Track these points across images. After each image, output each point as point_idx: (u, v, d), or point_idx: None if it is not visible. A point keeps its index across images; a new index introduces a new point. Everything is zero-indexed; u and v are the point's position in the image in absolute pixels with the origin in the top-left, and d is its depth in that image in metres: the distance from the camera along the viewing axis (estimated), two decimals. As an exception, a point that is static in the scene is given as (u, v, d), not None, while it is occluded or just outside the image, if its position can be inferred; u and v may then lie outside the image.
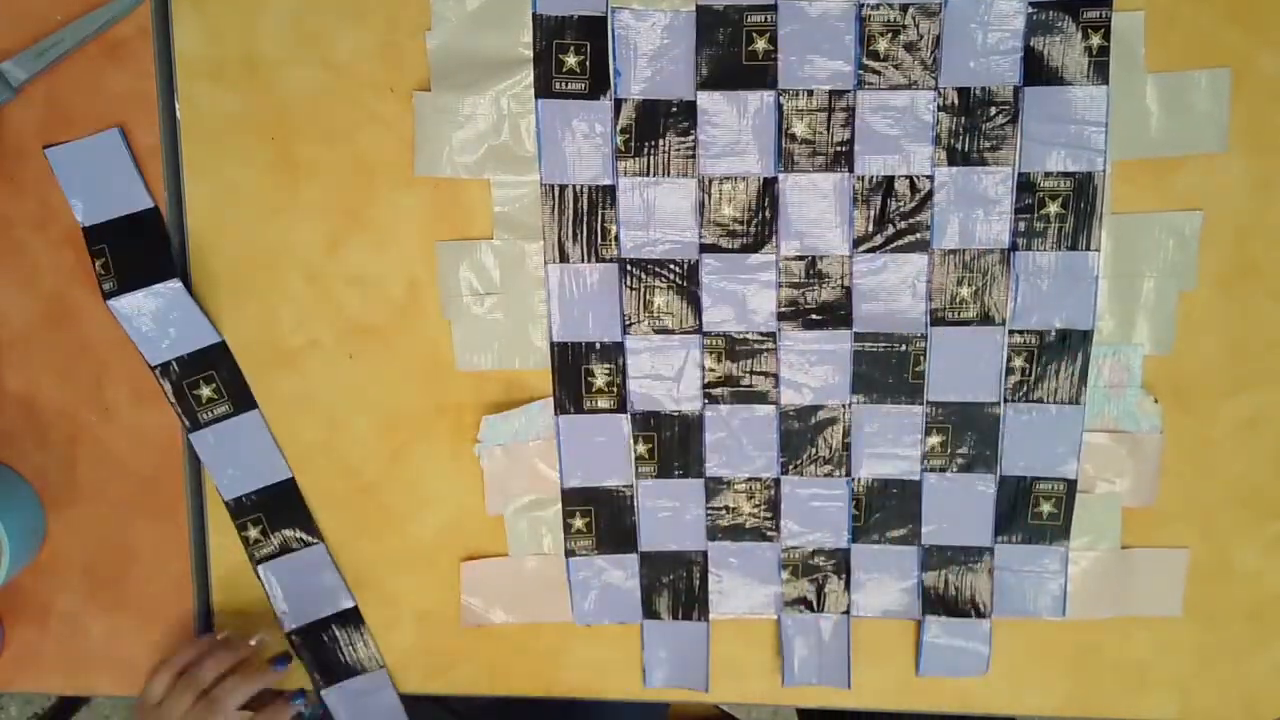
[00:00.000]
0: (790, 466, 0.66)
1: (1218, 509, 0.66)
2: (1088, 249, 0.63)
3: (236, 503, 0.67)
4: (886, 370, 0.65)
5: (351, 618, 0.69)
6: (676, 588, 0.68)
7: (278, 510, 0.67)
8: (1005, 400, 0.65)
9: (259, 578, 0.68)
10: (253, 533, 0.67)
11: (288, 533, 0.68)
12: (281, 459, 0.67)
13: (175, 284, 0.64)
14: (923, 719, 0.72)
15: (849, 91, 0.62)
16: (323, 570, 0.68)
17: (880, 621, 0.68)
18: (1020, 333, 0.64)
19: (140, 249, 0.64)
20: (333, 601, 0.68)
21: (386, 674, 0.69)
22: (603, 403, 0.66)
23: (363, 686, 0.69)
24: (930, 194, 0.63)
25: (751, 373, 0.65)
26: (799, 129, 0.62)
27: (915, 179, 0.63)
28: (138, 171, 0.64)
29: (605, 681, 0.70)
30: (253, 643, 0.66)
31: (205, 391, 0.66)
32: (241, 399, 0.67)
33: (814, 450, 0.66)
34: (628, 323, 0.65)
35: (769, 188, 0.63)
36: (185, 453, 0.68)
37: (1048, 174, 0.62)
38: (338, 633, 0.68)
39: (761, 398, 0.65)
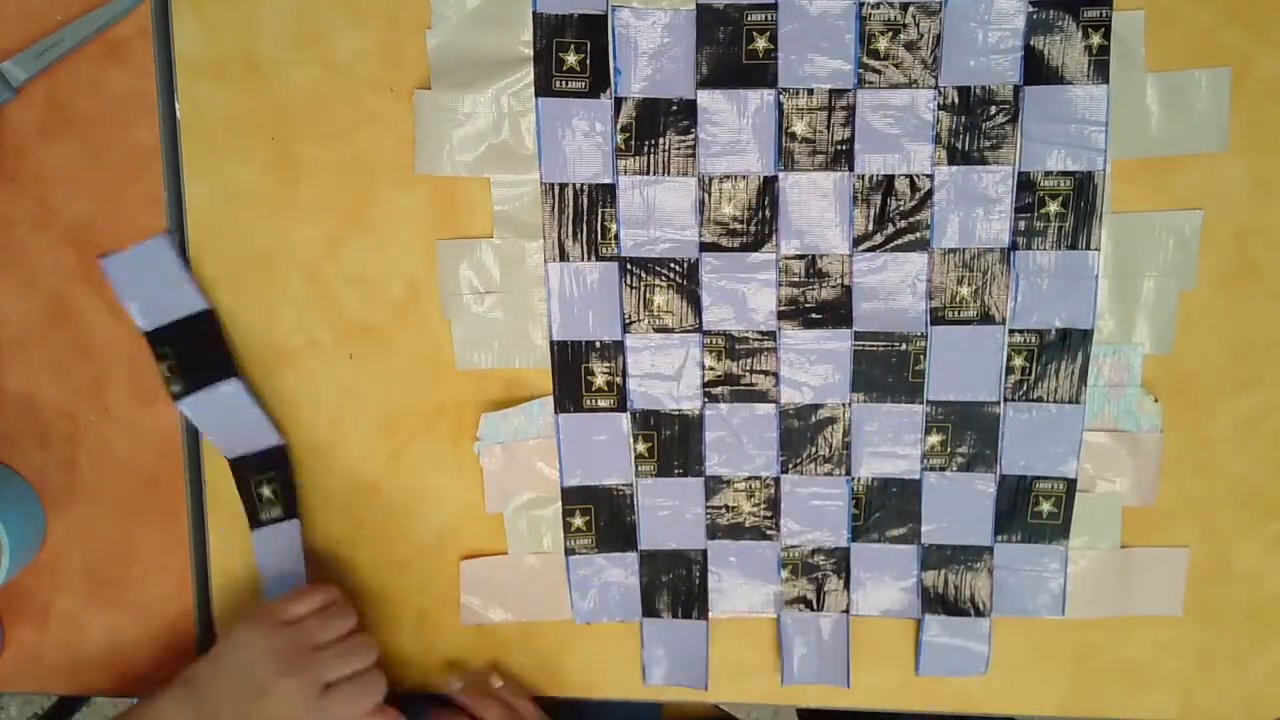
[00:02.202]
0: (790, 465, 0.66)
1: (1218, 509, 0.66)
2: (1088, 248, 0.63)
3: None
4: (886, 369, 0.65)
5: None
6: (676, 586, 0.68)
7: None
8: (1005, 399, 0.65)
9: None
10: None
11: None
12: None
13: (235, 383, 0.65)
14: (923, 719, 0.72)
15: (849, 90, 0.62)
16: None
17: (880, 621, 0.68)
18: (1020, 332, 0.64)
19: (201, 350, 0.65)
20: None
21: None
22: (602, 401, 0.66)
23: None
24: (930, 193, 0.63)
25: (751, 371, 0.65)
26: (799, 128, 0.62)
27: (915, 178, 0.63)
28: (188, 274, 0.65)
29: (605, 680, 0.70)
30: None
31: (265, 491, 0.67)
32: (291, 502, 0.67)
33: (814, 449, 0.66)
34: (628, 321, 0.65)
35: (769, 186, 0.63)
36: (185, 453, 0.68)
37: (1048, 173, 0.62)
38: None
39: (761, 396, 0.65)
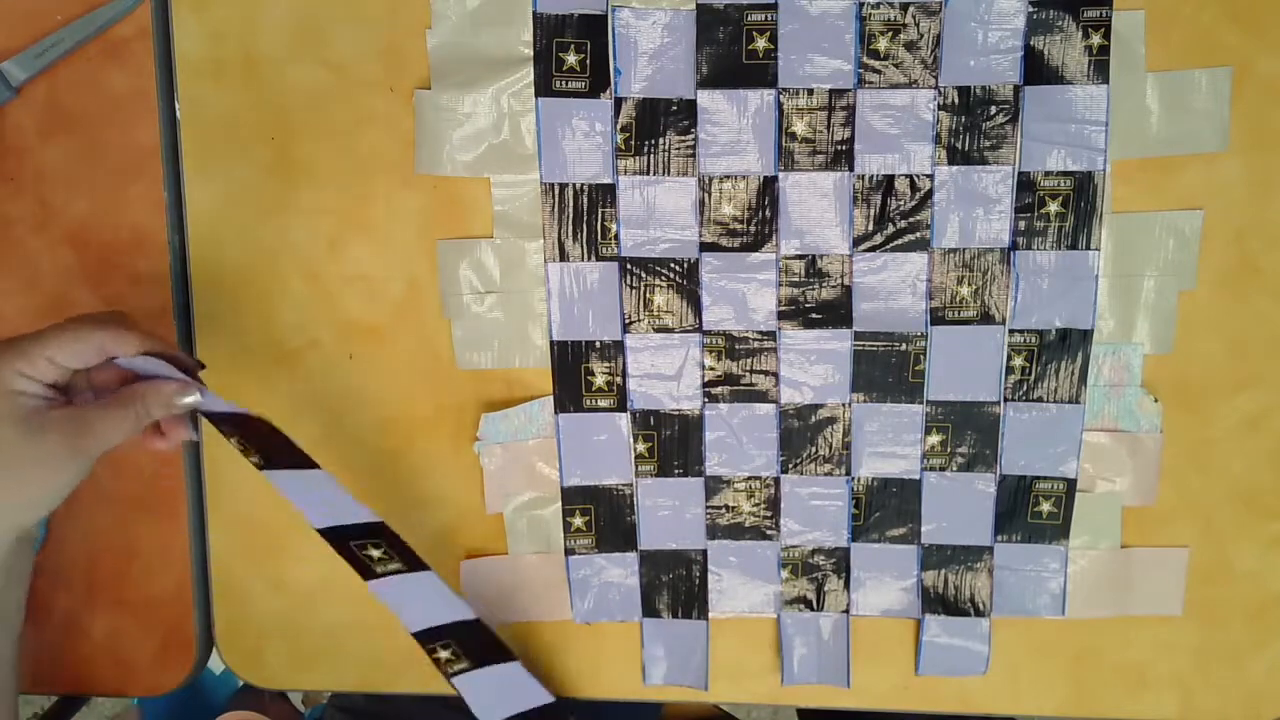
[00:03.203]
0: (790, 465, 0.66)
1: (1218, 509, 0.66)
2: (1088, 248, 0.63)
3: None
4: (886, 369, 0.65)
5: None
6: (676, 586, 0.68)
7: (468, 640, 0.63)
8: (1005, 399, 0.65)
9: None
10: (443, 655, 0.63)
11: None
12: (462, 601, 0.62)
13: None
14: (923, 719, 0.72)
15: (849, 90, 0.62)
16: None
17: (880, 621, 0.68)
18: (1020, 332, 0.64)
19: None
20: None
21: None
22: (602, 401, 0.66)
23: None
24: (930, 193, 0.63)
25: (751, 371, 0.65)
26: (799, 128, 0.62)
27: (915, 178, 0.63)
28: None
29: (605, 680, 0.70)
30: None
31: (375, 553, 0.60)
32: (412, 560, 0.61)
33: (814, 449, 0.66)
34: (628, 321, 0.65)
35: (769, 186, 0.63)
36: (185, 453, 0.68)
37: (1048, 173, 0.62)
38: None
39: (761, 396, 0.65)
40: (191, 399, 0.54)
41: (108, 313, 0.55)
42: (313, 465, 0.58)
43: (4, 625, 0.57)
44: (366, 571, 0.60)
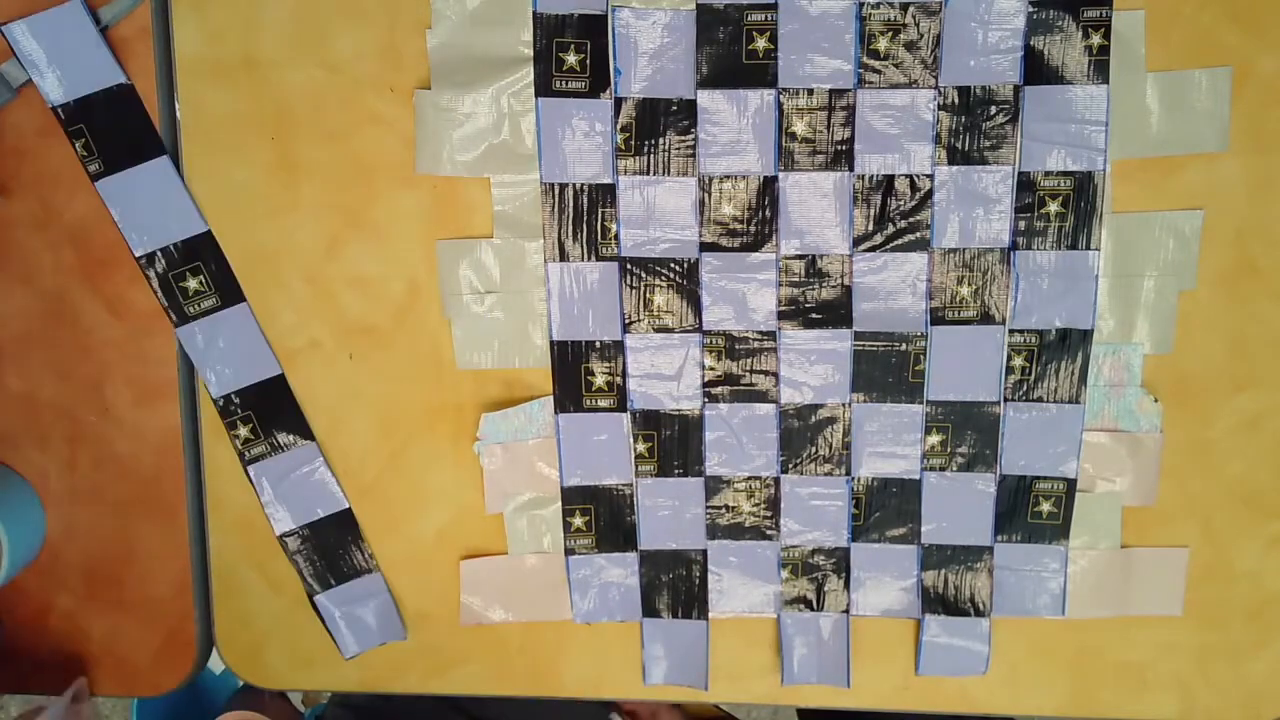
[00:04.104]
0: (790, 465, 0.66)
1: (1218, 509, 0.66)
2: (1088, 248, 0.63)
3: (225, 400, 0.66)
4: (886, 369, 0.65)
5: (346, 520, 0.68)
6: (676, 586, 0.68)
7: (268, 409, 0.66)
8: (1005, 399, 0.65)
9: (249, 478, 0.67)
10: (243, 431, 0.66)
11: (280, 435, 0.67)
12: (271, 354, 0.66)
13: (163, 161, 0.63)
14: (923, 719, 0.72)
15: (849, 90, 0.62)
16: (315, 470, 0.67)
17: (880, 621, 0.68)
18: (1020, 332, 0.64)
19: (122, 128, 0.63)
20: (327, 503, 0.67)
21: (381, 578, 0.69)
22: (602, 401, 0.66)
23: (358, 592, 0.68)
24: (930, 193, 0.63)
25: (751, 371, 0.65)
26: (799, 128, 0.62)
27: (915, 178, 0.63)
28: (106, 44, 0.63)
29: (605, 680, 0.70)
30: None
31: (192, 284, 0.64)
32: (229, 293, 0.65)
33: (814, 449, 0.66)
34: (628, 321, 0.65)
35: (769, 186, 0.63)
36: (185, 452, 0.68)
37: (1048, 173, 0.62)
38: (332, 535, 0.67)
39: (761, 396, 0.65)
40: None
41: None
42: None
43: None
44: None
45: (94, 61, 0.63)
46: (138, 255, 0.65)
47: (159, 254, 0.65)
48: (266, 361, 0.66)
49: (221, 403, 0.66)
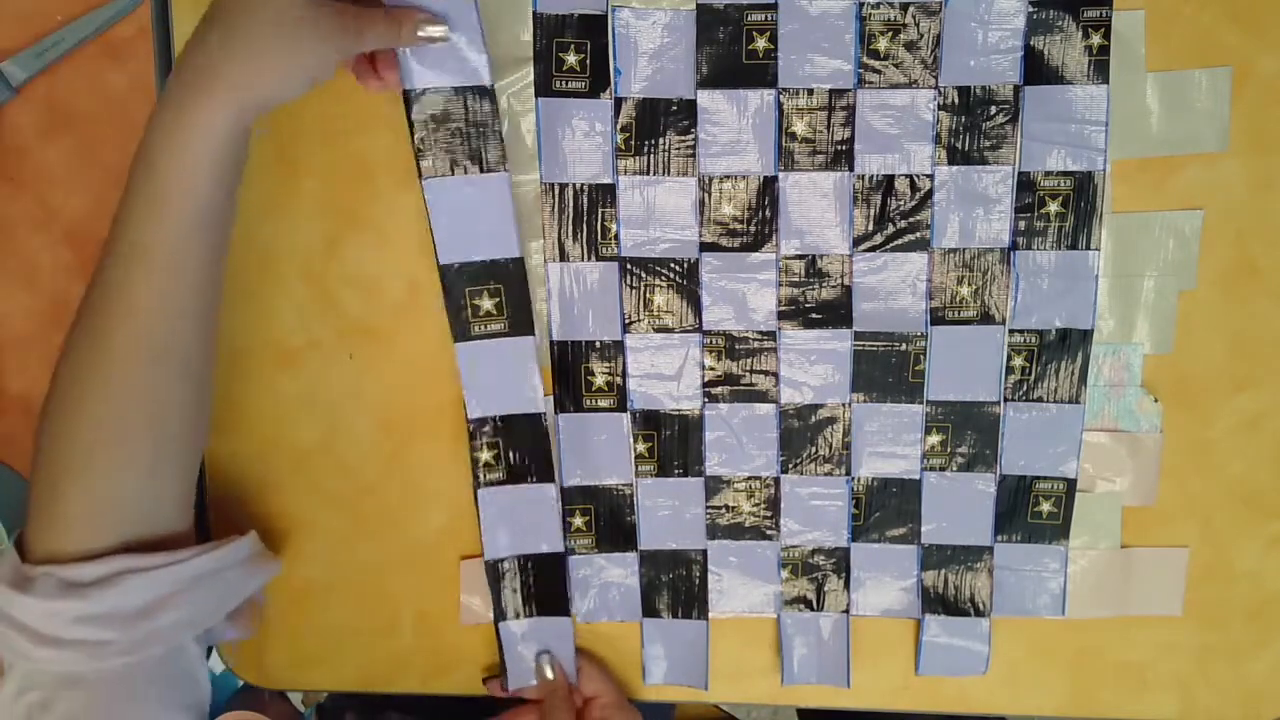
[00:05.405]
0: (790, 465, 0.66)
1: (1218, 509, 0.66)
2: (1088, 248, 0.63)
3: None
4: (886, 369, 0.65)
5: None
6: (676, 586, 0.68)
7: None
8: (1005, 399, 0.65)
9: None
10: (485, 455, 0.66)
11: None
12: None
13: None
14: (923, 719, 0.72)
15: (849, 90, 0.62)
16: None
17: (880, 621, 0.68)
18: (1020, 332, 0.64)
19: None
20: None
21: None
22: (603, 401, 0.66)
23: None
24: (930, 193, 0.63)
25: (751, 371, 0.65)
26: (799, 128, 0.62)
27: (915, 178, 0.63)
28: None
29: (605, 681, 0.70)
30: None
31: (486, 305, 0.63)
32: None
33: (814, 449, 0.66)
34: (628, 321, 0.65)
35: (769, 186, 0.63)
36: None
37: (1048, 173, 0.62)
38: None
39: (761, 396, 0.65)
40: (439, 30, 0.58)
41: None
42: None
43: (227, 223, 0.55)
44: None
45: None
46: None
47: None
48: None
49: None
